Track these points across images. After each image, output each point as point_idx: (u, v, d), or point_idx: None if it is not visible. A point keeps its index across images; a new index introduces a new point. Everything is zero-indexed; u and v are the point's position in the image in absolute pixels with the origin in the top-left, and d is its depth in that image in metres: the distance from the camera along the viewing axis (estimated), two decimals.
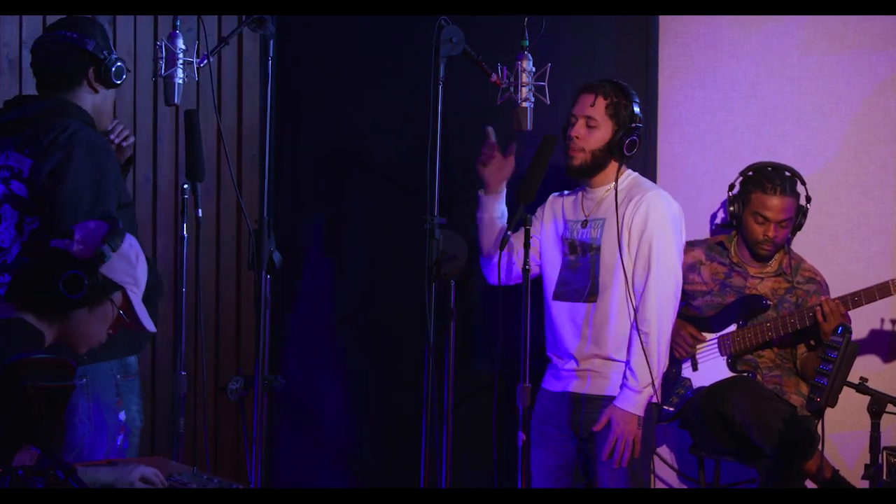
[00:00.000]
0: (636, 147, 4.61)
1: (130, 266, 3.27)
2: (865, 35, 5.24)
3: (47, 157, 4.03)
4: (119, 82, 4.23)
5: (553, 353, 4.74)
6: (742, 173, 5.07)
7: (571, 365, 4.64)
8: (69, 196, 3.99)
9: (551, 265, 4.73)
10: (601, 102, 4.59)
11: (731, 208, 5.05)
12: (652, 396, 4.53)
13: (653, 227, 4.54)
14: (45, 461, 2.75)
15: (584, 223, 4.65)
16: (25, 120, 4.13)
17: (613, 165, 4.63)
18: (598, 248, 4.60)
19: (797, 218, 5.01)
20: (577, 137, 4.60)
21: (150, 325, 3.35)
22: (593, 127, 4.59)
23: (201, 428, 4.94)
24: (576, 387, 4.64)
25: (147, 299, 4.11)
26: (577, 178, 4.71)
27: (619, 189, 4.60)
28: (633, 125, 4.59)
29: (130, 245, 3.27)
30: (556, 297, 4.69)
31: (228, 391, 3.91)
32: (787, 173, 5.01)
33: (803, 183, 5.04)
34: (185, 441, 4.07)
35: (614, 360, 4.58)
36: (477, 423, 4.99)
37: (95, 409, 4.10)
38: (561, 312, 4.69)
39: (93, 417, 4.10)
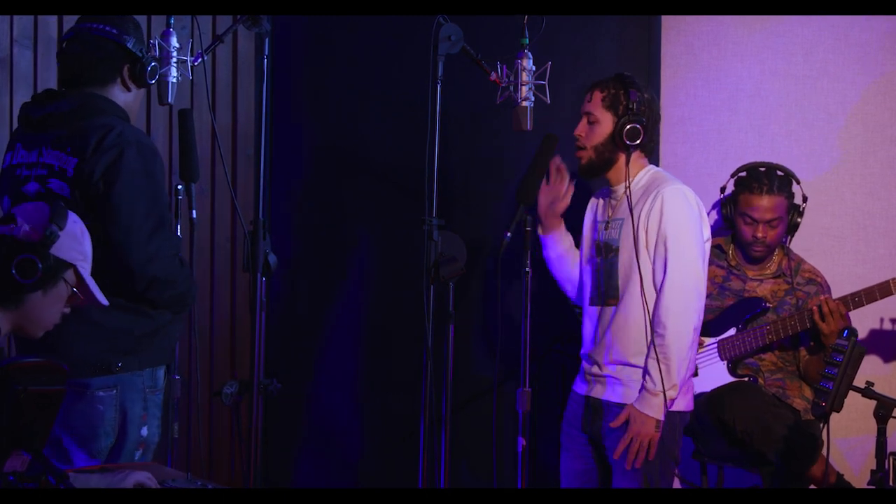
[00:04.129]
0: (640, 135, 4.41)
1: (77, 242, 3.23)
2: (871, 33, 5.22)
3: (96, 157, 3.93)
4: (152, 82, 4.14)
5: (584, 356, 4.65)
6: (733, 175, 5.05)
7: (595, 370, 4.55)
8: (126, 198, 3.91)
9: (585, 270, 4.66)
10: (598, 96, 4.49)
11: (724, 211, 5.03)
12: (673, 402, 4.36)
13: (667, 225, 4.37)
14: (37, 466, 2.73)
15: (607, 224, 4.55)
16: (59, 116, 4.03)
17: (624, 159, 4.47)
18: (617, 250, 4.48)
19: (790, 217, 4.97)
20: (579, 136, 4.52)
21: (102, 299, 3.30)
22: (593, 122, 4.49)
23: (196, 433, 4.91)
24: (598, 392, 4.54)
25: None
26: (590, 179, 4.61)
27: (638, 186, 4.48)
28: (634, 113, 4.42)
29: (74, 221, 3.25)
30: (588, 301, 4.62)
31: (223, 395, 3.86)
32: (780, 173, 4.98)
33: (797, 182, 5.01)
34: (180, 446, 4.03)
35: (635, 365, 4.43)
36: (476, 427, 4.95)
37: (121, 423, 4.02)
38: (588, 316, 4.61)
39: (118, 430, 4.02)
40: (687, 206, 4.40)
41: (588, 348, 4.59)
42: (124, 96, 4.12)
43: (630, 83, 4.46)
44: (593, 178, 4.60)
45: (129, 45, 4.08)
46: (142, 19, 5.25)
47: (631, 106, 4.42)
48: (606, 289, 4.51)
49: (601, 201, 4.65)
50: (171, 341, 4.12)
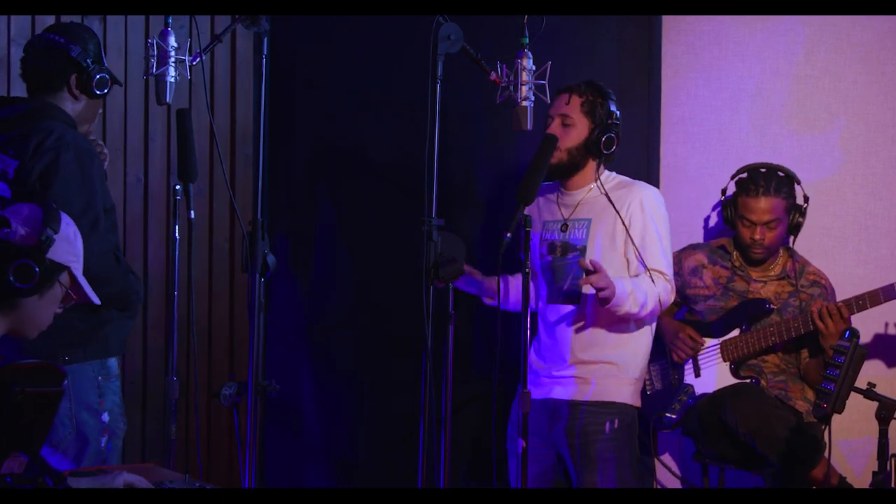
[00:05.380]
0: (614, 145, 4.56)
1: (71, 244, 3.23)
2: (872, 33, 5.20)
3: (35, 159, 4.03)
4: (100, 94, 4.22)
5: (535, 359, 4.68)
6: (733, 176, 5.03)
7: (557, 371, 4.58)
8: (60, 199, 3.95)
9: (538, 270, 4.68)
10: (576, 100, 4.58)
11: (725, 213, 5.01)
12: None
13: (650, 218, 4.54)
14: (34, 468, 2.72)
15: (564, 226, 4.62)
16: (9, 121, 4.13)
17: (592, 165, 4.61)
18: (584, 249, 4.55)
19: (790, 218, 4.95)
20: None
21: (94, 298, 3.31)
22: (569, 125, 4.57)
23: (193, 434, 4.90)
24: (558, 393, 4.61)
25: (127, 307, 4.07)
26: (555, 179, 4.66)
27: (606, 189, 4.57)
28: (610, 122, 4.56)
29: (67, 224, 3.24)
30: (543, 300, 4.65)
31: (221, 397, 3.86)
32: (781, 174, 4.96)
33: (798, 183, 4.99)
34: (177, 448, 4.02)
35: (611, 362, 4.56)
36: (475, 429, 4.93)
37: (77, 411, 4.09)
38: (546, 315, 4.63)
39: (74, 418, 4.08)
40: (664, 205, 4.61)
41: (548, 348, 4.65)
42: (73, 105, 4.22)
43: (606, 93, 4.61)
44: (557, 179, 4.65)
45: (74, 55, 4.15)
46: (140, 19, 5.29)
47: (610, 116, 4.57)
48: (571, 286, 4.56)
49: (543, 200, 4.69)
50: (120, 335, 4.22)
